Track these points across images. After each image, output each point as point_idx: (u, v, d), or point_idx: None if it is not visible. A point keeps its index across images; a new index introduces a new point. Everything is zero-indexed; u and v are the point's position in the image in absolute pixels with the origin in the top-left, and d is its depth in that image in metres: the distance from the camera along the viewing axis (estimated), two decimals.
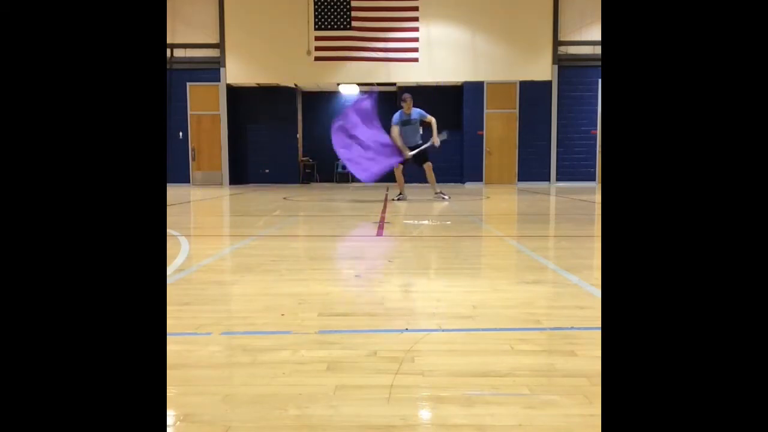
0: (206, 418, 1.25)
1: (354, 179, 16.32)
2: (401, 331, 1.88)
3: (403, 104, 8.21)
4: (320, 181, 16.48)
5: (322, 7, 14.07)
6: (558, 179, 14.40)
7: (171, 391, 1.38)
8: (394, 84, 14.85)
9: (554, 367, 1.56)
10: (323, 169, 16.64)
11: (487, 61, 14.23)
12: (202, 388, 1.43)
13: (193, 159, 14.86)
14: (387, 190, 11.58)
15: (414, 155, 8.15)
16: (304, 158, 16.21)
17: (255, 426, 1.22)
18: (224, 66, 14.39)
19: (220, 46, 14.37)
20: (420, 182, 10.54)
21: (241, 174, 15.16)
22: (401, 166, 8.36)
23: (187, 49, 14.45)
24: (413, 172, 9.37)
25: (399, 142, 8.08)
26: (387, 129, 8.27)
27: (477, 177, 14.48)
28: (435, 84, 14.68)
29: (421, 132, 8.49)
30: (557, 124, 14.30)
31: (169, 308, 2.09)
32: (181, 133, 14.63)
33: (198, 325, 1.96)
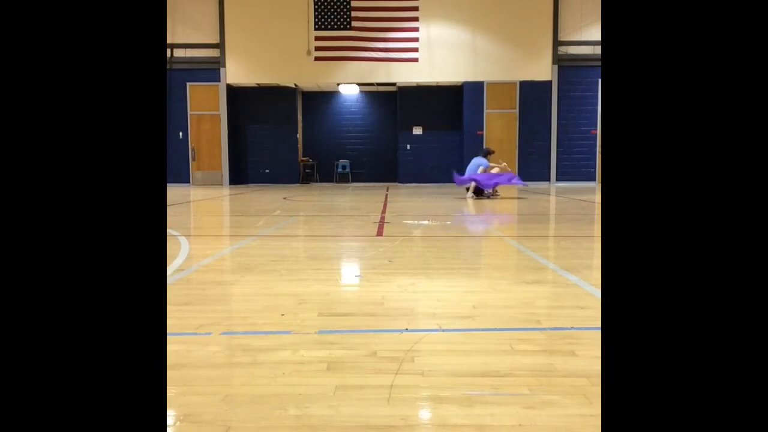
0: (206, 418, 1.25)
1: (354, 179, 16.44)
2: (401, 331, 1.88)
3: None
4: (320, 181, 16.48)
5: (322, 7, 14.07)
6: (558, 179, 14.39)
7: (171, 391, 1.38)
8: (394, 84, 14.85)
9: (554, 367, 1.56)
10: (323, 169, 16.65)
11: (487, 61, 14.23)
12: (202, 388, 1.43)
13: (193, 159, 14.86)
14: (387, 190, 11.57)
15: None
16: (304, 158, 16.21)
17: (255, 426, 1.22)
18: (224, 66, 14.39)
19: (220, 46, 14.37)
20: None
21: (241, 174, 15.16)
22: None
23: (187, 49, 14.45)
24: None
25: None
26: None
27: None
28: (435, 84, 14.67)
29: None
30: (557, 124, 14.30)
31: (169, 308, 2.09)
32: (181, 133, 14.63)
33: (198, 325, 1.96)
